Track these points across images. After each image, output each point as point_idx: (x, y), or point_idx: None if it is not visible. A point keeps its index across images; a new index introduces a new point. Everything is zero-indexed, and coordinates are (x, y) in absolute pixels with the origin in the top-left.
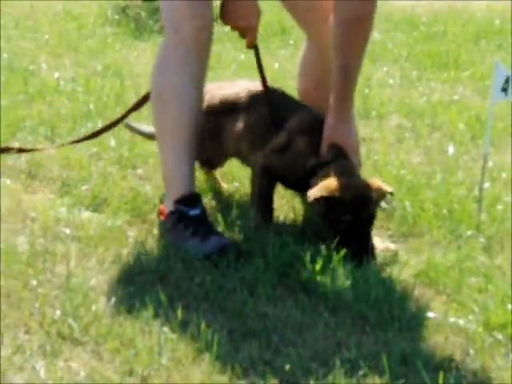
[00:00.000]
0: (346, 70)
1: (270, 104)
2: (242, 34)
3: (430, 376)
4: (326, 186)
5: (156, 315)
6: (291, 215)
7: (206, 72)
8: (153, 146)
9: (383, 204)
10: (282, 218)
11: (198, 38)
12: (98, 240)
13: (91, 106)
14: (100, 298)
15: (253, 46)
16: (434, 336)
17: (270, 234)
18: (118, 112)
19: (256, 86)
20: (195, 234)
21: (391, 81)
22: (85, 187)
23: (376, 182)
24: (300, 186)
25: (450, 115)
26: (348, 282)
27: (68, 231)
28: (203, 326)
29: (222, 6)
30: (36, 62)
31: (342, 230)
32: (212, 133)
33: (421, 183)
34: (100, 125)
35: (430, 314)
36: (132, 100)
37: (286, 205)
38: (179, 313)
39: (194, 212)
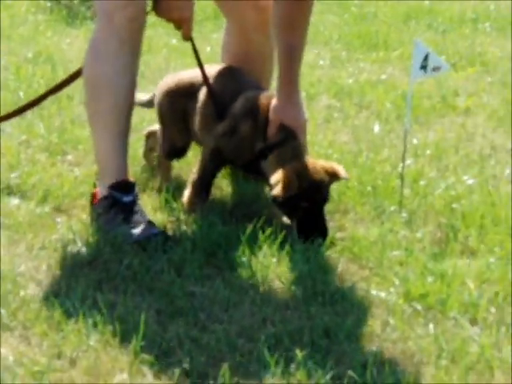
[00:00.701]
0: (291, 50)
1: (211, 93)
2: (177, 26)
3: (352, 347)
4: (286, 184)
5: (84, 298)
6: (218, 195)
7: (138, 60)
8: (83, 132)
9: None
10: (209, 198)
11: (131, 27)
12: (27, 227)
13: (21, 94)
14: (29, 283)
15: (188, 37)
16: (356, 309)
17: (199, 215)
18: (50, 99)
19: (217, 68)
20: (126, 221)
21: (321, 62)
22: (13, 175)
23: (330, 165)
24: (249, 168)
25: (378, 94)
26: (274, 260)
27: None
28: (130, 307)
29: None
30: None
31: (299, 215)
32: (181, 116)
33: (347, 161)
34: (30, 111)
35: (353, 288)
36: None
37: (213, 186)
38: (107, 295)
39: (127, 198)
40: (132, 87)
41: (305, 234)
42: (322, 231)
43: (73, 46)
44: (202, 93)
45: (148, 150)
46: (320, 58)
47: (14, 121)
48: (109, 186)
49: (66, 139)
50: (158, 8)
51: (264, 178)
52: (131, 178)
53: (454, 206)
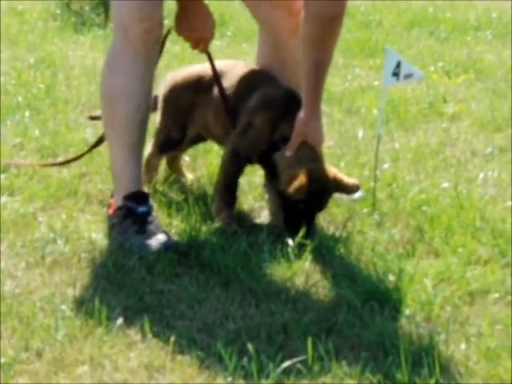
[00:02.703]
0: (318, 66)
1: (225, 102)
2: (194, 46)
3: (307, 343)
4: (299, 186)
5: (56, 294)
6: (193, 197)
7: (153, 73)
8: (76, 136)
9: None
10: (181, 201)
11: (146, 39)
12: (10, 225)
13: (20, 99)
14: (6, 280)
15: (205, 52)
16: (316, 306)
17: (227, 223)
18: (47, 103)
19: (238, 64)
20: (141, 231)
21: None
22: (3, 176)
23: (343, 177)
24: (264, 160)
25: (367, 101)
26: (242, 259)
27: None
28: (99, 303)
29: (177, 17)
30: None
31: (292, 209)
32: (184, 110)
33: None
34: (28, 115)
35: (316, 287)
36: (63, 92)
37: (189, 184)
38: (79, 291)
39: (142, 209)
40: (146, 99)
41: (290, 228)
42: (309, 232)
43: (77, 52)
44: (214, 88)
45: (170, 160)
46: None
47: (11, 125)
48: (123, 197)
49: (59, 142)
50: (179, 26)
51: (273, 170)
52: (145, 189)
53: (424, 208)
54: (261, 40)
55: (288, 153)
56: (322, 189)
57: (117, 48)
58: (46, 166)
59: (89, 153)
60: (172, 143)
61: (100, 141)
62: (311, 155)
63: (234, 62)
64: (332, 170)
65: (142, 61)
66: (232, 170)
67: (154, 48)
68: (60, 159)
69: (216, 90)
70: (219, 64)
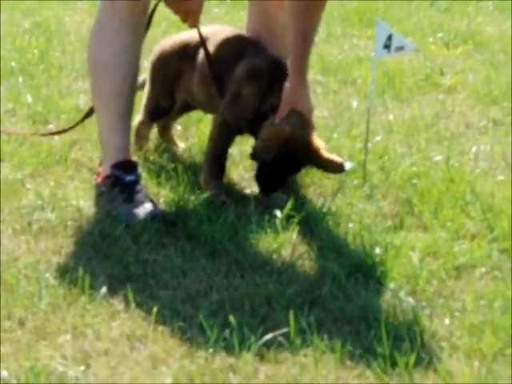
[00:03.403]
0: (305, 35)
1: (211, 69)
2: (183, 18)
3: (292, 313)
4: (267, 146)
5: (41, 262)
6: (182, 167)
7: (140, 42)
8: (69, 102)
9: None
10: (170, 170)
11: (133, 9)
12: None
13: (13, 64)
14: None
15: (194, 26)
16: (300, 278)
17: (214, 194)
18: (41, 69)
19: (223, 30)
20: (128, 200)
21: (316, 38)
22: None
23: (329, 155)
24: (253, 130)
25: (363, 71)
26: (229, 230)
27: None
28: (83, 271)
29: None
30: None
31: (262, 167)
32: (172, 78)
33: (320, 136)
34: (21, 81)
35: (302, 258)
36: (57, 58)
37: (180, 153)
38: (64, 260)
39: (129, 178)
40: (133, 68)
41: (260, 186)
42: (267, 189)
43: (74, 18)
44: (199, 54)
45: (162, 128)
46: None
47: (4, 90)
48: (111, 166)
49: (51, 109)
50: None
51: None
52: (134, 158)
53: (415, 181)
54: (250, 12)
55: (276, 121)
56: (292, 151)
57: (104, 17)
58: (36, 135)
59: (81, 123)
60: (161, 111)
61: (91, 111)
62: (297, 121)
63: (219, 28)
64: (318, 143)
65: (129, 30)
66: (221, 141)
67: (140, 18)
68: (51, 126)
69: (201, 57)
70: (205, 29)
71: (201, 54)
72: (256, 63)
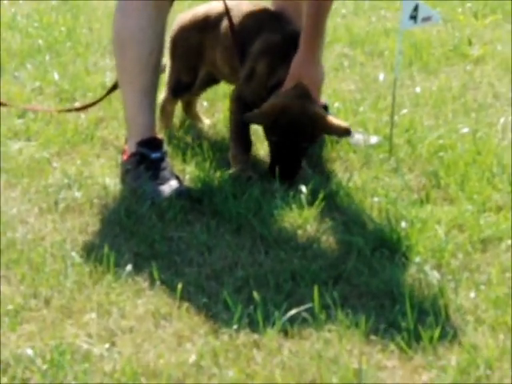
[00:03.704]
0: (319, 7)
1: (235, 42)
2: None
3: (315, 290)
4: (264, 111)
5: (67, 241)
6: (206, 146)
7: (165, 15)
8: (95, 79)
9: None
10: (196, 147)
11: None
12: (25, 171)
13: (40, 42)
14: (18, 226)
15: None
16: (325, 253)
17: (249, 168)
18: (68, 47)
19: (244, 3)
20: (154, 177)
21: (344, 11)
22: (20, 121)
23: (333, 119)
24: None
25: (390, 43)
26: (255, 206)
27: None
28: (106, 249)
29: None
30: None
31: (272, 148)
32: (194, 52)
33: (348, 110)
34: (48, 59)
35: (327, 233)
36: (84, 35)
37: (206, 130)
38: (90, 238)
39: (155, 155)
40: (158, 42)
41: (272, 171)
42: (284, 173)
43: None
44: (221, 26)
45: (186, 105)
46: (343, 7)
47: (30, 68)
48: (137, 143)
49: (78, 86)
50: None
51: None
52: (159, 135)
53: (441, 154)
54: None
55: (280, 93)
56: (294, 125)
57: None
58: (62, 111)
59: (105, 98)
60: (183, 86)
61: (116, 86)
62: (299, 94)
63: (239, 1)
64: (319, 112)
65: (153, 9)
66: (240, 117)
67: None
68: (77, 104)
69: (222, 29)
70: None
71: (222, 26)
72: (271, 39)
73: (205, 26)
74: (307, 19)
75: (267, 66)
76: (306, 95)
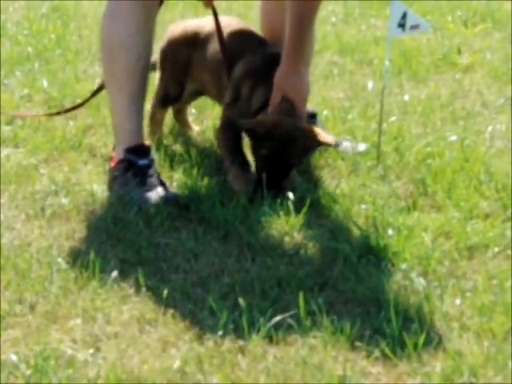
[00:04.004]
0: (302, 19)
1: (224, 49)
2: None
3: (302, 295)
4: (258, 122)
5: (53, 247)
6: (196, 148)
7: (153, 22)
8: (84, 87)
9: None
10: (184, 154)
11: None
12: (13, 177)
13: (30, 49)
14: (5, 232)
15: (209, 5)
16: (311, 260)
17: (249, 185)
18: (57, 54)
19: (231, 23)
20: (141, 184)
21: (333, 19)
22: (8, 128)
23: (319, 131)
24: None
25: (380, 52)
26: (242, 213)
27: None
28: (95, 255)
29: None
30: None
31: (260, 161)
32: (182, 66)
33: (336, 118)
34: (37, 66)
35: (313, 240)
36: (74, 42)
37: (195, 137)
38: (76, 244)
39: (143, 162)
40: (146, 48)
41: (259, 182)
42: (272, 184)
43: (91, 1)
44: (211, 44)
45: (176, 112)
46: (333, 15)
47: (19, 75)
48: (124, 150)
49: (67, 94)
50: None
51: None
52: (147, 142)
53: (429, 161)
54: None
55: (269, 109)
56: (286, 137)
57: None
58: (50, 115)
59: (94, 105)
60: (171, 98)
61: (100, 88)
62: (286, 110)
63: (228, 20)
64: (309, 126)
65: (140, 9)
66: (229, 138)
67: None
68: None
69: (211, 49)
70: (212, 22)
71: (211, 45)
72: (253, 60)
73: (193, 43)
74: (290, 30)
75: (251, 88)
76: (291, 112)
